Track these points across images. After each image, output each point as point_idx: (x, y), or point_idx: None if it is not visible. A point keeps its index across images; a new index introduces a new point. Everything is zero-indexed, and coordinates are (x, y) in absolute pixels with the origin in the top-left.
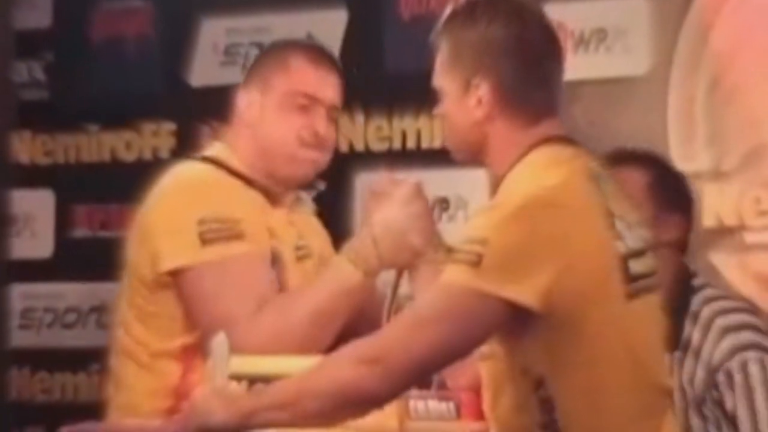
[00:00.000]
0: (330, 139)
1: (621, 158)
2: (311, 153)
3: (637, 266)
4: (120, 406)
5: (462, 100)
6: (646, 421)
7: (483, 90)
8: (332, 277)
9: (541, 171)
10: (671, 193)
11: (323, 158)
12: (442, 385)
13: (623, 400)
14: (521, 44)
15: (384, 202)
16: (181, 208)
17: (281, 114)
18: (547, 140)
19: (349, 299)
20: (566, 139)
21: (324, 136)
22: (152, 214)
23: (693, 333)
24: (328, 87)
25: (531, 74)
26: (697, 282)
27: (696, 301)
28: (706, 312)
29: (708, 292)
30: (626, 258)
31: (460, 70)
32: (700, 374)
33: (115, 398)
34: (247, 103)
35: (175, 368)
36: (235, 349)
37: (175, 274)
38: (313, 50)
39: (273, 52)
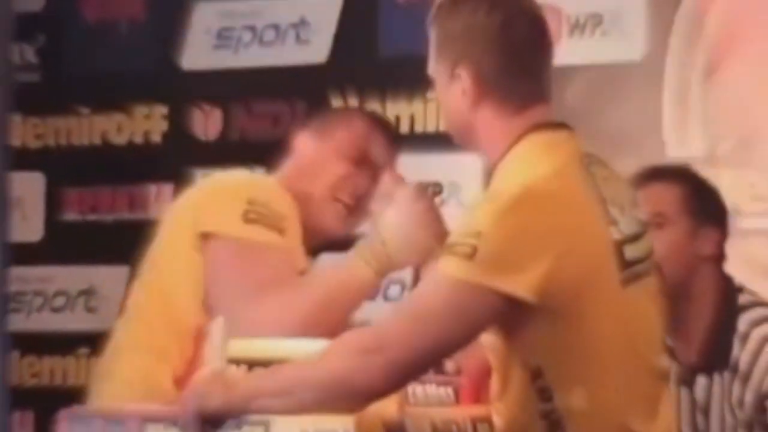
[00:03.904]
0: (365, 201)
1: (653, 175)
2: (342, 208)
3: (631, 251)
4: (126, 376)
5: (449, 89)
6: (644, 405)
7: (465, 80)
8: (343, 272)
9: (533, 159)
10: (706, 206)
11: (353, 220)
12: (441, 370)
13: (620, 386)
14: (503, 33)
15: (390, 203)
16: (234, 186)
17: (333, 158)
18: (537, 127)
19: (358, 296)
20: (557, 125)
21: (362, 193)
22: (204, 187)
23: (741, 356)
24: (384, 150)
25: (515, 63)
26: (743, 299)
27: (744, 321)
28: (755, 335)
29: (757, 313)
30: (621, 244)
31: (445, 60)
32: (749, 399)
33: (119, 366)
34: (303, 145)
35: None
36: (237, 326)
37: (208, 239)
38: (381, 119)
39: (341, 112)
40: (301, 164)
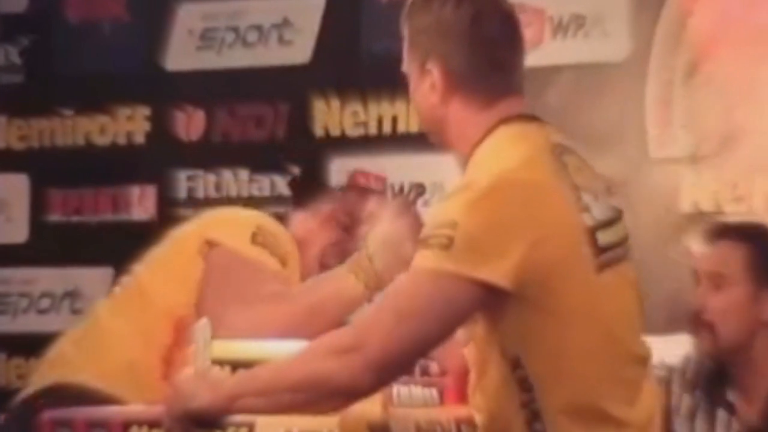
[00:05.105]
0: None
1: (722, 232)
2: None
3: (605, 237)
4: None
5: (420, 84)
6: (624, 391)
7: (435, 74)
8: (333, 284)
9: (504, 150)
10: None
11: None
12: (425, 371)
13: (599, 372)
14: (472, 28)
15: (375, 221)
16: (246, 213)
17: (324, 227)
18: (507, 119)
19: (347, 308)
20: (527, 117)
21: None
22: (215, 210)
23: None
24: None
25: (483, 57)
26: None
27: None
28: None
29: None
30: (594, 230)
31: (416, 55)
32: None
33: (105, 342)
34: (299, 221)
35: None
36: (225, 330)
37: (212, 247)
38: (374, 191)
39: (336, 189)
40: (294, 236)
